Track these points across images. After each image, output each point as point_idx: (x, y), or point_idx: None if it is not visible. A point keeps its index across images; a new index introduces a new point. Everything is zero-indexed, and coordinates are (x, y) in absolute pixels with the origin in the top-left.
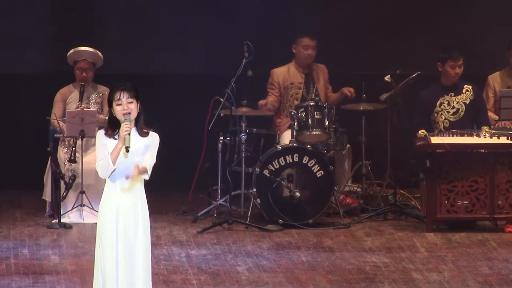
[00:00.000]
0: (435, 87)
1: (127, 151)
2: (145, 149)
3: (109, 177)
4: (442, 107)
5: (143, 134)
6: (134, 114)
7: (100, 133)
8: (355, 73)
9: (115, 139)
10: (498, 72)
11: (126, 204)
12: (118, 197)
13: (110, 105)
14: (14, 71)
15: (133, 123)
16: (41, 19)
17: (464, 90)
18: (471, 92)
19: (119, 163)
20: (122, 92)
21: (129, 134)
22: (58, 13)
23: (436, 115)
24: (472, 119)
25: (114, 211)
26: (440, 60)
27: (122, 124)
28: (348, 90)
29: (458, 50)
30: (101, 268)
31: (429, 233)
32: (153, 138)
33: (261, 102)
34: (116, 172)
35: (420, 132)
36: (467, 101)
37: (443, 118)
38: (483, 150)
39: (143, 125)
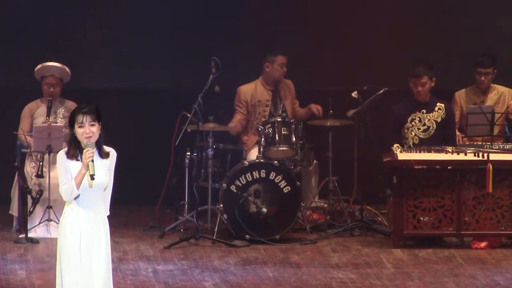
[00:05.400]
0: (407, 103)
1: (92, 179)
2: (107, 171)
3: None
4: (413, 123)
5: (104, 156)
6: (96, 137)
7: (61, 155)
8: (322, 89)
9: (78, 160)
10: (464, 90)
11: (88, 225)
12: (81, 218)
13: (72, 126)
14: None
15: (94, 145)
16: (9, 32)
17: (436, 108)
18: (443, 111)
19: (83, 184)
20: (84, 116)
21: (92, 160)
22: (25, 27)
23: (406, 130)
24: (442, 137)
25: (77, 232)
26: (409, 76)
27: (84, 151)
28: (316, 108)
29: (421, 67)
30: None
31: (396, 249)
32: (112, 158)
33: (231, 125)
34: (80, 194)
35: (395, 146)
36: (439, 119)
37: (413, 134)
38: (450, 167)
39: (103, 147)
